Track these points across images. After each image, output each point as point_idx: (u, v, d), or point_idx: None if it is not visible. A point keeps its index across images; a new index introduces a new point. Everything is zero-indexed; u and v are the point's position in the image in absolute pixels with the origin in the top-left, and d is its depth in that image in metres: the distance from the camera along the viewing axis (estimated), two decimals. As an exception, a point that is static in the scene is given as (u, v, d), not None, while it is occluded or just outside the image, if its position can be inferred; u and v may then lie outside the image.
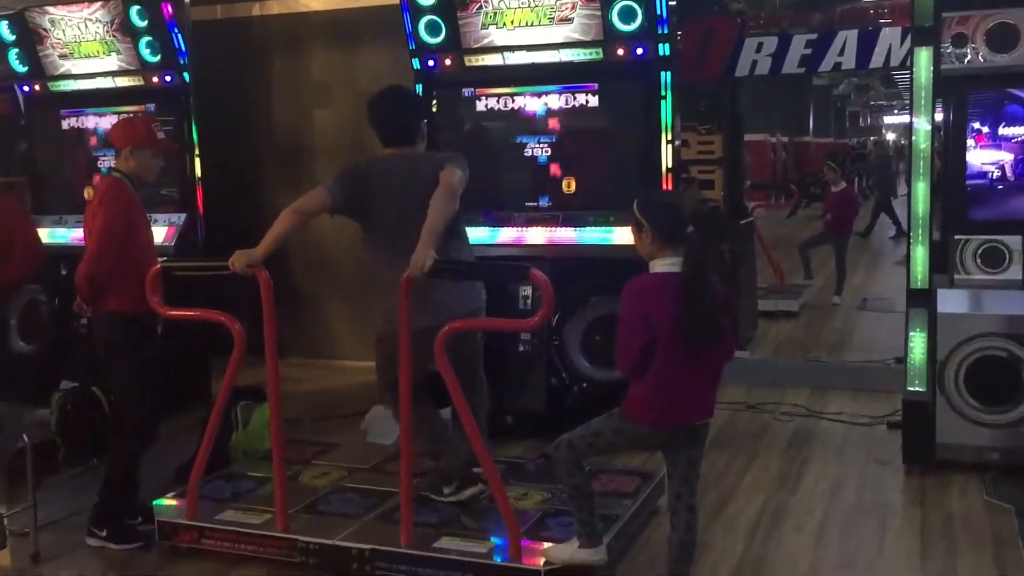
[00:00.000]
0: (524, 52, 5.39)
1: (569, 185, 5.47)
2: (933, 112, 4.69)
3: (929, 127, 4.69)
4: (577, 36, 5.25)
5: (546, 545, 3.53)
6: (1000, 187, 4.74)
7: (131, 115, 4.49)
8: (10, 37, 6.48)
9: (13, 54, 6.53)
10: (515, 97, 5.53)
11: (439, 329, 3.47)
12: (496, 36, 5.42)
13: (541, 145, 5.51)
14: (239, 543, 3.86)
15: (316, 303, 7.44)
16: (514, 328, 5.04)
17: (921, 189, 4.73)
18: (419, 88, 5.59)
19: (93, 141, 6.52)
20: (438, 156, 3.90)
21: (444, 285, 3.77)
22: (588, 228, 5.27)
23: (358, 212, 3.90)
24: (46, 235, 6.01)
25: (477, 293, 3.99)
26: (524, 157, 5.54)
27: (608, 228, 5.21)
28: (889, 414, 5.48)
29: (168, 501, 4.11)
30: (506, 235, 5.42)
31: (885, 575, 3.72)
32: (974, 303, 4.64)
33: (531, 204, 5.53)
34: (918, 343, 4.75)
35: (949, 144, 4.84)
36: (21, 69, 6.56)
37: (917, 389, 4.75)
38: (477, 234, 5.46)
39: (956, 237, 4.72)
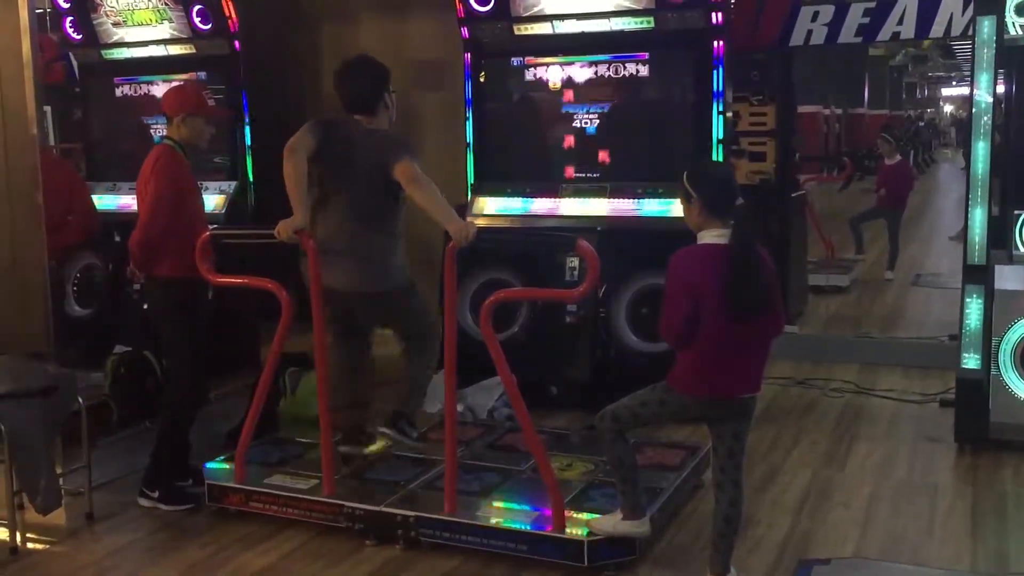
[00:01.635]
0: (574, 21, 5.33)
1: (618, 156, 5.42)
2: (995, 80, 4.55)
3: (990, 89, 4.54)
4: (628, 4, 5.18)
5: (589, 516, 3.53)
6: (1064, 159, 4.61)
7: (182, 83, 4.52)
8: (65, 5, 6.56)
9: (68, 23, 6.61)
10: (564, 66, 5.48)
11: (376, 295, 3.76)
12: (546, 4, 5.37)
13: (590, 115, 5.46)
14: (286, 507, 3.92)
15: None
16: (560, 298, 5.03)
17: (981, 148, 4.57)
18: (467, 56, 5.57)
19: (146, 109, 6.59)
20: (390, 141, 3.94)
21: (386, 250, 3.90)
22: (636, 199, 5.23)
23: (317, 160, 3.93)
24: (100, 202, 6.12)
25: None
26: (573, 127, 5.50)
27: (657, 200, 5.16)
28: (941, 391, 5.38)
29: (218, 464, 4.18)
30: (553, 205, 5.39)
31: (934, 554, 3.66)
32: (1033, 280, 4.52)
33: (579, 175, 5.49)
34: (974, 320, 4.65)
35: (1011, 116, 4.71)
36: (76, 37, 6.64)
37: (971, 367, 4.65)
38: (524, 204, 5.48)
39: (1016, 212, 4.60)
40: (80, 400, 4.05)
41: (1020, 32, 4.49)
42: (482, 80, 5.65)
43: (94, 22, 6.54)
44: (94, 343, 5.87)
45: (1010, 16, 4.49)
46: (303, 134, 3.90)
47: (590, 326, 5.26)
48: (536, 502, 3.73)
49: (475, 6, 5.50)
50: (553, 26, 5.39)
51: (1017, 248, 4.59)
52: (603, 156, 5.45)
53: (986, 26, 4.54)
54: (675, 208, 4.87)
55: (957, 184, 16.31)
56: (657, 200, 5.17)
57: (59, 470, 4.04)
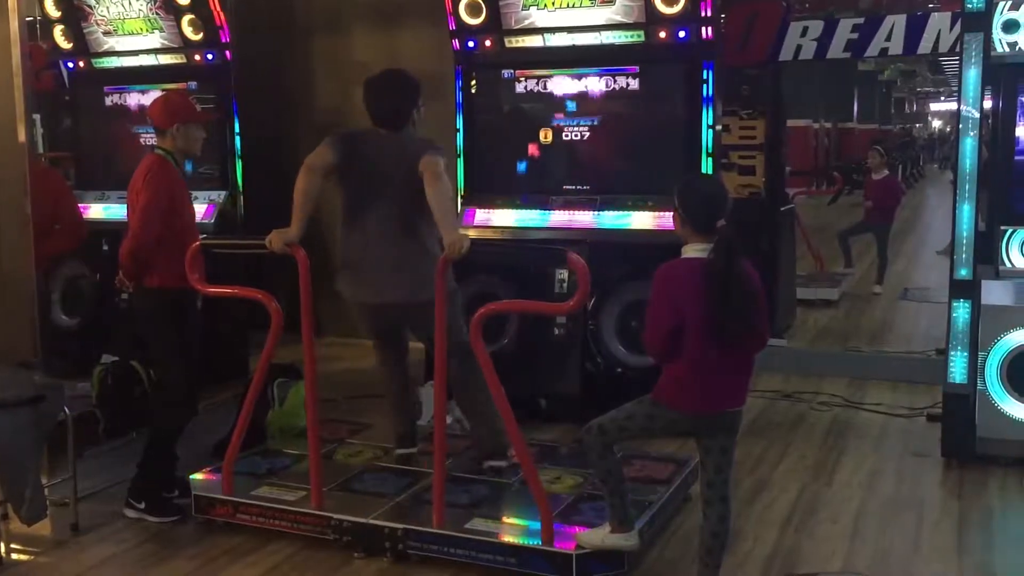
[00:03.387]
0: (565, 34, 5.35)
1: (607, 169, 5.44)
2: (981, 102, 4.59)
3: (977, 119, 4.58)
4: (619, 18, 5.21)
5: (578, 529, 3.52)
6: (1050, 172, 4.64)
7: (166, 93, 4.50)
8: (55, 13, 6.56)
9: (58, 31, 6.60)
10: (555, 79, 5.50)
11: (415, 304, 3.71)
12: (537, 17, 5.39)
13: (580, 128, 5.48)
14: (273, 519, 3.90)
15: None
16: (550, 311, 5.02)
17: (969, 144, 4.59)
18: (459, 69, 5.59)
19: (136, 118, 6.58)
20: (423, 143, 3.94)
21: (421, 259, 3.86)
22: (626, 212, 5.24)
23: (343, 176, 3.96)
24: (89, 211, 6.10)
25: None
26: (563, 140, 5.52)
27: (646, 213, 5.18)
28: (929, 406, 5.40)
29: (205, 476, 4.17)
30: (543, 218, 5.40)
31: (921, 569, 3.67)
32: (1019, 295, 4.55)
33: (569, 187, 5.50)
34: (960, 334, 4.67)
35: (998, 132, 4.74)
36: (66, 46, 6.63)
37: (958, 381, 4.67)
38: (515, 217, 5.48)
39: (1002, 228, 4.63)
40: (66, 410, 4.03)
41: (1007, 49, 4.52)
42: (473, 92, 5.66)
43: (84, 31, 6.54)
44: (81, 353, 5.84)
45: (997, 33, 4.52)
46: (324, 151, 3.89)
47: (579, 339, 5.26)
48: (525, 515, 3.72)
49: (467, 19, 5.51)
50: (544, 39, 5.41)
51: (1004, 263, 4.61)
52: (593, 169, 5.47)
53: (973, 43, 4.58)
54: (665, 221, 4.91)
55: (941, 199, 16.42)
56: (647, 213, 5.18)
57: (45, 480, 4.01)
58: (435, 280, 3.62)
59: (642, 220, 5.19)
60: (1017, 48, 4.51)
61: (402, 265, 3.91)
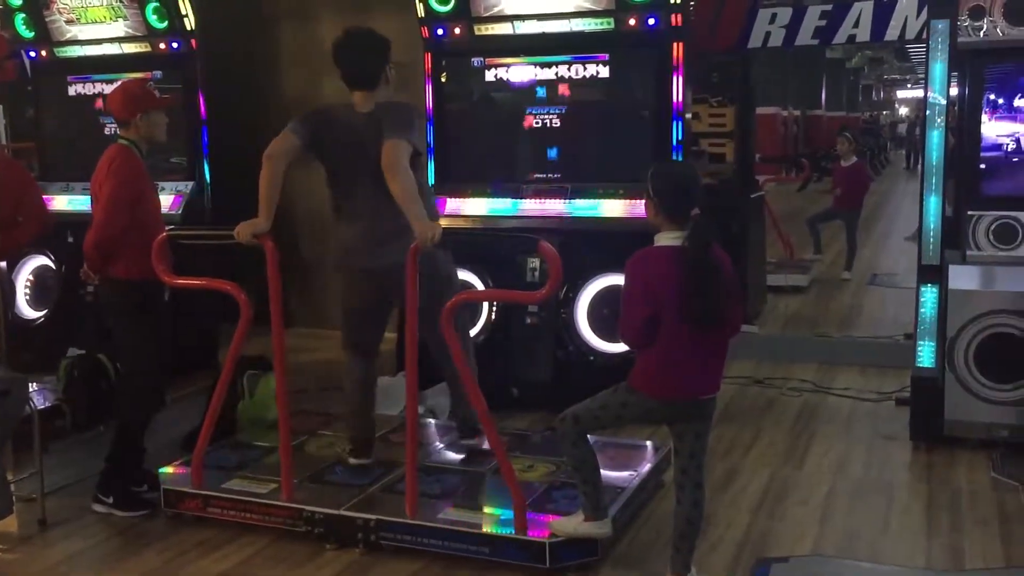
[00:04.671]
0: (534, 21, 5.32)
1: (578, 157, 5.43)
2: (948, 87, 4.63)
3: (944, 92, 4.62)
4: (588, 5, 5.19)
5: (551, 518, 3.52)
6: (1016, 159, 4.68)
7: (123, 83, 4.42)
8: (17, 2, 6.44)
9: (20, 19, 6.48)
10: (525, 67, 5.48)
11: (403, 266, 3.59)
12: (506, 5, 5.36)
13: (550, 116, 5.46)
14: (244, 512, 3.87)
15: (323, 273, 7.41)
16: (522, 300, 5.02)
17: (935, 137, 4.65)
18: (428, 56, 5.56)
19: (100, 107, 6.49)
20: (386, 120, 3.83)
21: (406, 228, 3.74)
22: (596, 200, 5.23)
23: (318, 155, 3.95)
24: (53, 202, 6.01)
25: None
26: (533, 128, 5.50)
27: (616, 201, 5.18)
28: (897, 390, 5.46)
29: (174, 469, 4.13)
30: (514, 207, 5.38)
31: (890, 551, 3.71)
32: (986, 280, 4.60)
33: (540, 175, 5.49)
34: (928, 319, 4.72)
35: (964, 118, 4.78)
36: (28, 34, 6.52)
37: (926, 365, 4.72)
38: (486, 205, 5.46)
39: (969, 213, 4.67)
40: (32, 404, 3.98)
41: (973, 35, 4.56)
42: (443, 80, 5.63)
43: (47, 19, 6.42)
44: (47, 346, 5.76)
45: (963, 20, 4.55)
46: (285, 136, 3.86)
47: (551, 327, 5.26)
48: (498, 504, 3.71)
49: (436, 6, 5.47)
50: (514, 27, 5.38)
51: (971, 248, 4.66)
52: (564, 157, 5.46)
53: (940, 29, 4.62)
54: (636, 209, 4.91)
55: (908, 185, 16.59)
56: (618, 201, 5.18)
57: (11, 476, 3.96)
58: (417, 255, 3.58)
59: (613, 208, 5.19)
60: (983, 34, 4.55)
61: (397, 233, 3.72)
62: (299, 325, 7.30)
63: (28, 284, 6.41)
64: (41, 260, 6.29)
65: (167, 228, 4.11)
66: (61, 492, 4.25)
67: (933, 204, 4.68)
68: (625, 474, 4.01)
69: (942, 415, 4.63)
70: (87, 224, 4.06)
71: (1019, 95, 4.66)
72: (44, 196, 5.39)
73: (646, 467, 4.11)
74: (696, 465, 3.20)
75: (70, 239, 5.87)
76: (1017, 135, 4.67)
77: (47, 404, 4.80)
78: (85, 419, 4.88)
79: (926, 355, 4.73)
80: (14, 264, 5.96)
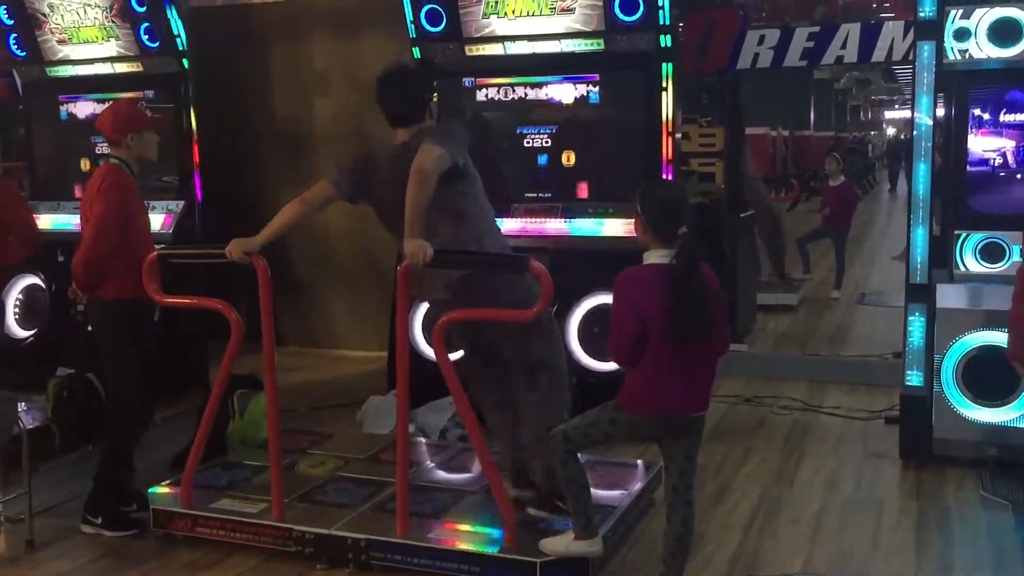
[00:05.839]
0: (525, 42, 5.37)
1: (569, 176, 5.45)
2: (935, 108, 4.68)
3: (931, 125, 4.67)
4: (578, 26, 5.23)
5: (542, 537, 3.52)
6: (1002, 174, 4.73)
7: (113, 103, 4.43)
8: (9, 22, 6.45)
9: (12, 39, 6.49)
10: (516, 87, 5.51)
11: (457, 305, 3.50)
12: (497, 26, 5.40)
13: (541, 136, 5.49)
14: (234, 532, 3.85)
15: (314, 291, 7.43)
16: (512, 319, 5.01)
17: (923, 170, 4.70)
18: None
19: (90, 128, 6.48)
20: (427, 130, 3.73)
21: (481, 244, 3.67)
22: (587, 219, 5.26)
23: (366, 201, 3.87)
24: (43, 221, 6.00)
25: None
26: (524, 147, 5.53)
27: (607, 220, 5.20)
28: (886, 408, 5.47)
29: (163, 489, 4.11)
30: (505, 225, 5.38)
31: (881, 569, 3.71)
32: (973, 298, 4.63)
33: (531, 195, 5.51)
34: (916, 338, 4.74)
35: (951, 137, 4.83)
36: (20, 54, 6.53)
37: (915, 384, 4.74)
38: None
39: (956, 232, 4.71)
40: (21, 424, 3.96)
41: (959, 57, 4.61)
42: (434, 100, 5.63)
43: (39, 39, 6.43)
44: (36, 365, 5.73)
45: (949, 41, 4.61)
46: (325, 188, 3.77)
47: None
48: (488, 523, 3.71)
49: (427, 26, 5.51)
50: (504, 47, 5.43)
51: (958, 267, 4.69)
52: (554, 176, 5.48)
53: (926, 51, 4.66)
54: (626, 228, 4.93)
55: (892, 204, 16.66)
56: (608, 220, 5.20)
57: (-1, 496, 3.94)
58: (489, 287, 3.55)
59: (604, 227, 5.21)
60: (968, 56, 4.60)
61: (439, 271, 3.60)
62: (290, 344, 7.29)
63: (17, 303, 6.38)
64: (31, 279, 6.27)
65: (157, 247, 4.10)
66: (50, 512, 4.23)
67: (920, 235, 4.71)
68: (616, 492, 4.01)
69: (931, 434, 4.65)
70: (77, 243, 4.06)
71: (1004, 110, 4.71)
72: (34, 215, 5.39)
73: (637, 485, 4.12)
74: (686, 484, 3.20)
75: (60, 258, 5.85)
76: (1003, 150, 4.72)
77: (36, 424, 4.77)
78: (74, 439, 4.85)
79: (914, 374, 4.75)
80: (3, 283, 5.94)
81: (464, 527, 3.75)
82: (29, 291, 6.36)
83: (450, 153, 3.55)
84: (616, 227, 5.14)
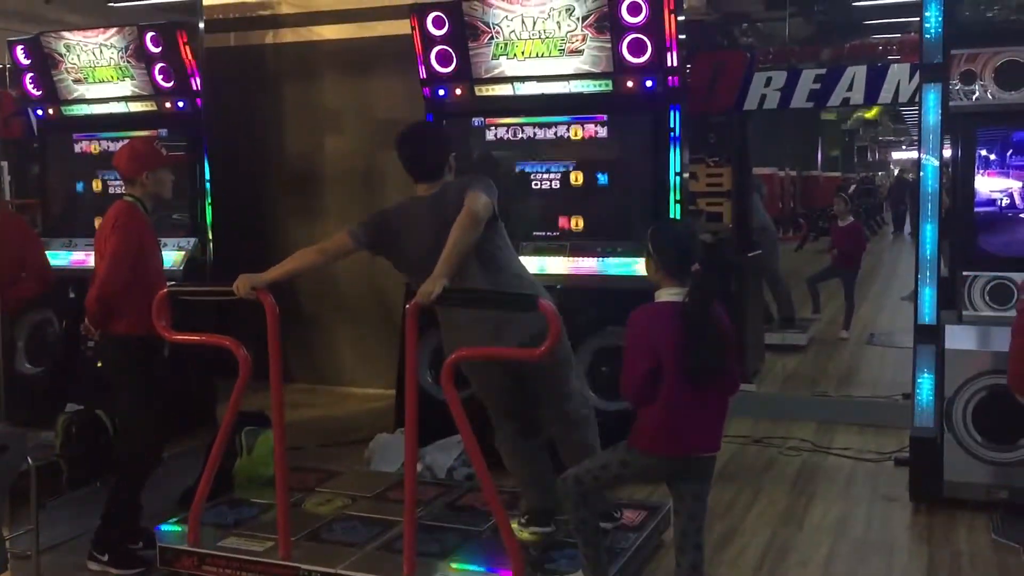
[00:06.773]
0: (534, 83, 5.43)
1: (577, 216, 5.49)
2: (941, 150, 4.70)
3: (937, 167, 4.69)
4: (587, 68, 5.29)
5: (550, 577, 3.50)
6: (1010, 214, 4.74)
7: (130, 141, 4.49)
8: (25, 62, 6.56)
9: (28, 78, 6.59)
10: (524, 127, 5.56)
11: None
12: (507, 67, 5.47)
13: (550, 175, 5.53)
14: (240, 571, 3.83)
15: (322, 329, 7.44)
16: (520, 357, 5.00)
17: (929, 231, 4.73)
18: (430, 117, 5.64)
19: (104, 165, 6.55)
20: (463, 181, 3.84)
21: (513, 287, 3.74)
22: (596, 259, 5.28)
23: (388, 255, 3.90)
24: (55, 258, 6.04)
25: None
26: (533, 187, 5.57)
27: (616, 259, 5.22)
28: (896, 450, 5.44)
29: (170, 526, 4.10)
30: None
31: (892, 613, 3.68)
32: (982, 340, 4.62)
33: (539, 233, 5.54)
34: (926, 379, 4.73)
35: (957, 180, 4.85)
36: (35, 93, 6.62)
37: (925, 425, 4.72)
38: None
39: (964, 273, 4.71)
40: (29, 460, 3.95)
41: (965, 100, 4.64)
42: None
43: (55, 78, 6.53)
44: (45, 401, 5.75)
45: (955, 84, 4.64)
46: (344, 240, 3.81)
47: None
48: (496, 563, 3.68)
49: (437, 67, 5.58)
50: (514, 88, 5.49)
51: (967, 308, 4.69)
52: (563, 215, 5.52)
53: (932, 95, 4.70)
54: (635, 267, 4.95)
55: (901, 244, 16.60)
56: (616, 259, 5.22)
57: (6, 532, 3.91)
58: (525, 328, 3.56)
59: (612, 266, 5.23)
60: (975, 99, 4.63)
61: (475, 317, 3.71)
62: (298, 381, 7.30)
63: (28, 339, 6.41)
64: (42, 315, 6.31)
65: (169, 283, 4.13)
66: (57, 549, 4.22)
67: (928, 295, 4.73)
68: (625, 534, 3.98)
69: (942, 476, 4.62)
70: (89, 280, 4.09)
71: (1011, 151, 4.73)
72: (46, 251, 5.43)
73: (647, 527, 4.09)
74: (696, 528, 3.18)
75: (71, 295, 5.89)
76: (1010, 191, 4.74)
77: (44, 460, 4.77)
78: (82, 475, 4.85)
79: (924, 415, 4.73)
80: (14, 318, 5.97)
81: (472, 567, 3.73)
82: (39, 326, 6.39)
83: (492, 201, 3.71)
84: (625, 266, 5.15)
